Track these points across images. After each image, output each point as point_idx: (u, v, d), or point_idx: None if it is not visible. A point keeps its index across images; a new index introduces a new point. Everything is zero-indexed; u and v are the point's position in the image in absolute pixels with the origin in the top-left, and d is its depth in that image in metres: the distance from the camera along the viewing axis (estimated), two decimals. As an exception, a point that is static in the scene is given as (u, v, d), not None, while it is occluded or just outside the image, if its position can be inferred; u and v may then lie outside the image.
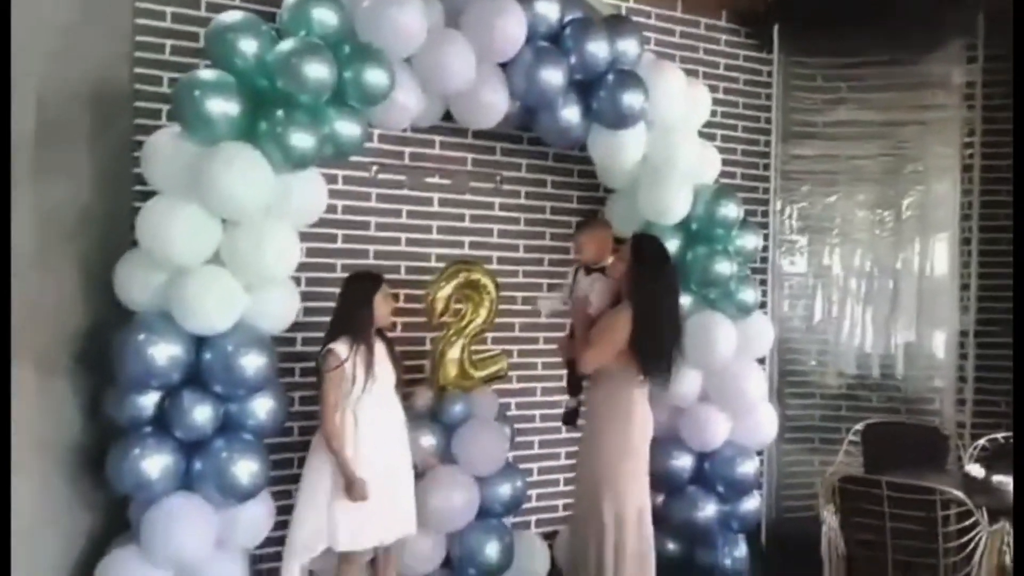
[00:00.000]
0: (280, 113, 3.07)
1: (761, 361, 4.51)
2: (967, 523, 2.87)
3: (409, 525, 3.42)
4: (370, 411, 3.29)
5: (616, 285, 3.57)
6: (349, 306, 3.36)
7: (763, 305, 4.68)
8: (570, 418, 3.82)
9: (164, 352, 3.07)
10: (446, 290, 3.82)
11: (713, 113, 4.37)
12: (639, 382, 3.44)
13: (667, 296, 3.49)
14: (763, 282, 4.85)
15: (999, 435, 3.85)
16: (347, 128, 3.30)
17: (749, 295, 4.32)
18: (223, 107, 3.00)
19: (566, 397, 3.92)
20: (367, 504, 3.21)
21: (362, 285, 3.38)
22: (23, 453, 2.87)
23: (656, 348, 3.40)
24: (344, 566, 3.37)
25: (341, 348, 3.25)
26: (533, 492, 4.34)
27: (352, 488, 3.19)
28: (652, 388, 3.51)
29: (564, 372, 3.97)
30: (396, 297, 3.37)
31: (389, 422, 3.39)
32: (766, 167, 5.05)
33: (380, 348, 3.39)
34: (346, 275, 3.51)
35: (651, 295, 3.40)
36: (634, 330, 3.35)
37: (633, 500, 3.44)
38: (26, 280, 2.82)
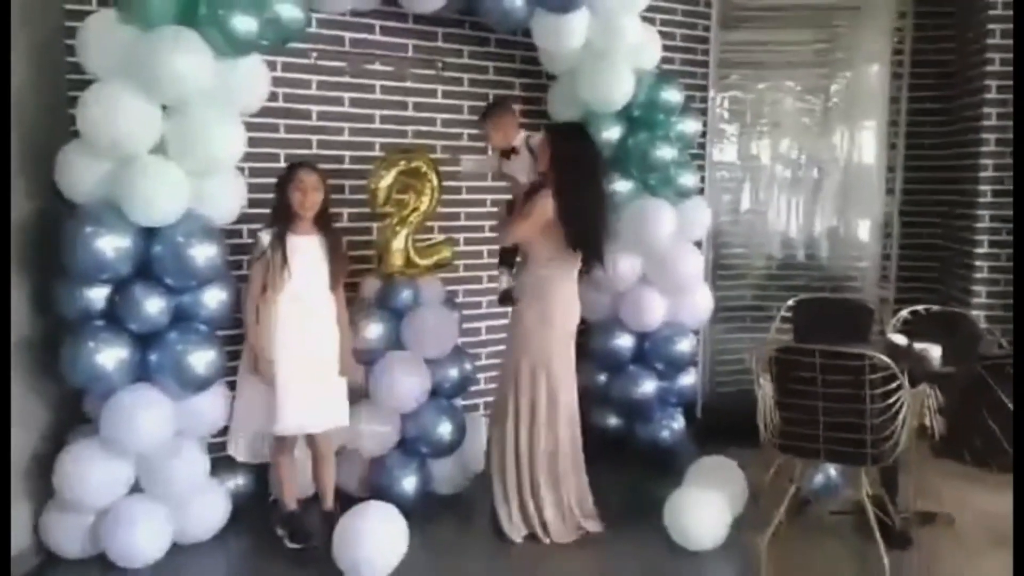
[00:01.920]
0: (220, -6, 3.00)
1: (698, 245, 4.65)
2: (891, 387, 3.08)
3: (338, 417, 3.48)
4: (289, 300, 3.33)
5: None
6: (275, 196, 3.40)
7: (701, 192, 4.79)
8: (505, 297, 3.86)
9: (112, 244, 3.04)
10: (387, 179, 3.79)
11: (654, -4, 4.35)
12: (567, 265, 3.58)
13: (588, 178, 3.57)
14: (700, 168, 4.95)
15: (920, 307, 4.08)
16: (289, 11, 3.24)
17: (689, 179, 4.43)
18: (161, -13, 2.92)
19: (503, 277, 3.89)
20: (293, 391, 3.30)
21: (282, 175, 3.40)
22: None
23: (581, 230, 3.50)
24: (277, 454, 3.50)
25: (264, 237, 3.32)
26: (481, 376, 4.46)
27: (258, 367, 3.31)
28: (589, 270, 3.64)
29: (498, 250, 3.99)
30: (313, 182, 3.32)
31: (311, 314, 3.39)
32: (705, 52, 5.08)
33: (308, 241, 3.38)
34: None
35: (571, 181, 3.49)
36: (560, 214, 3.45)
37: (551, 380, 3.58)
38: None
